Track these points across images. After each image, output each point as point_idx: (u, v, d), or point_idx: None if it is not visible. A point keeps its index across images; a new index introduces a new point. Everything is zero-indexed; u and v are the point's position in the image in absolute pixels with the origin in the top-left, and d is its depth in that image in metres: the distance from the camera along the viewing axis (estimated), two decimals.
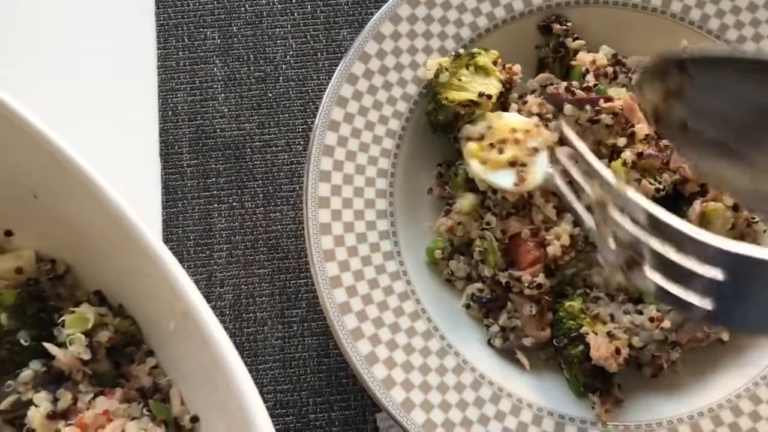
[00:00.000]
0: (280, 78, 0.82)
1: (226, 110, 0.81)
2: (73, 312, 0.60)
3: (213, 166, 0.79)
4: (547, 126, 0.71)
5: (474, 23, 0.75)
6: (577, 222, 0.69)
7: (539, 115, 0.71)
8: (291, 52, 0.83)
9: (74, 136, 0.55)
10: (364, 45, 0.73)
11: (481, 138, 0.70)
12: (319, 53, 0.83)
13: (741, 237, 0.70)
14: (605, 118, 0.70)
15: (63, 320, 0.60)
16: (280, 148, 0.79)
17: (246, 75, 0.82)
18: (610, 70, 0.74)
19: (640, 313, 0.67)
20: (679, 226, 0.46)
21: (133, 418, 0.57)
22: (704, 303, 0.45)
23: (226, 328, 0.51)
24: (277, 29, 0.83)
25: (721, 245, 0.43)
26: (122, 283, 0.61)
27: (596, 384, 0.66)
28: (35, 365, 0.59)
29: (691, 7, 0.75)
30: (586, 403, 0.67)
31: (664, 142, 0.70)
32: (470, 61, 0.71)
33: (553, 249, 0.68)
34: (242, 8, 0.84)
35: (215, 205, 0.78)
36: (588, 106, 0.71)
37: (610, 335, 0.66)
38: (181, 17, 0.83)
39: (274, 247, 0.76)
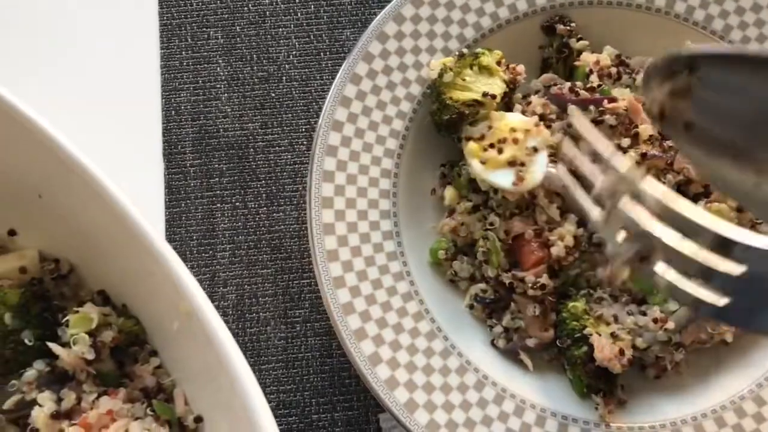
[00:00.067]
0: (284, 78, 0.82)
1: (229, 110, 0.81)
2: (77, 312, 0.60)
3: (216, 166, 0.79)
4: (550, 126, 0.71)
5: (478, 23, 0.75)
6: (581, 222, 0.69)
7: (543, 115, 0.71)
8: (294, 52, 0.83)
9: (77, 137, 0.56)
10: (367, 45, 0.73)
11: (481, 138, 0.70)
12: (322, 53, 0.83)
13: None
14: (609, 119, 0.70)
15: (67, 320, 0.60)
16: (283, 148, 0.79)
17: (249, 75, 0.82)
18: (613, 70, 0.74)
19: (644, 314, 0.67)
20: (696, 217, 0.43)
21: (137, 418, 0.57)
22: (719, 300, 0.43)
23: (228, 329, 0.51)
24: (281, 29, 0.83)
25: (743, 239, 0.41)
26: (126, 283, 0.61)
27: (599, 385, 0.66)
28: (39, 365, 0.59)
29: (695, 8, 0.75)
30: (590, 404, 0.67)
31: (668, 142, 0.70)
32: (474, 61, 0.71)
33: (557, 250, 0.68)
34: (245, 8, 0.84)
35: (218, 205, 0.78)
36: (592, 107, 0.71)
37: (614, 336, 0.65)
38: (184, 17, 0.83)
39: (277, 247, 0.76)
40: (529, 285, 0.67)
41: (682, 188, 0.70)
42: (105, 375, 0.60)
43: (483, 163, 0.69)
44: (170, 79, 0.81)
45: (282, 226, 0.77)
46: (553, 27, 0.76)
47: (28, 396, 0.58)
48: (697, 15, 0.75)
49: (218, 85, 0.81)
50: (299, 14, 0.84)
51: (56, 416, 0.56)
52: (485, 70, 0.72)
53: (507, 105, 0.73)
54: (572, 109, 0.70)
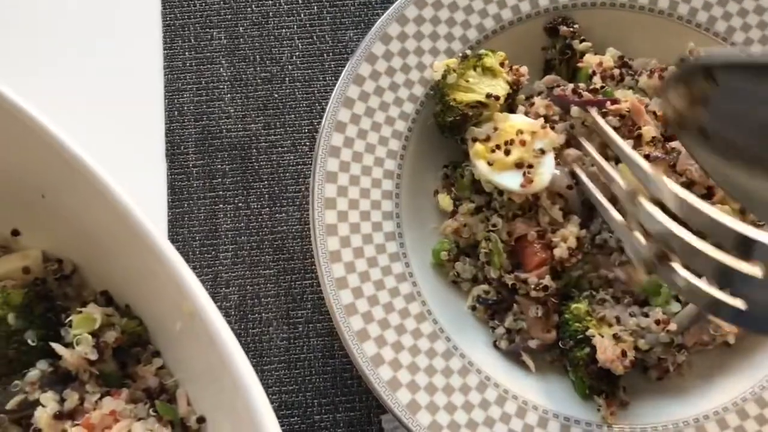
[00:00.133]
0: (287, 79, 0.82)
1: (232, 111, 0.81)
2: (80, 312, 0.60)
3: (219, 166, 0.79)
4: (553, 128, 0.71)
5: (481, 25, 0.75)
6: (584, 224, 0.69)
7: (546, 116, 0.71)
8: (297, 53, 0.83)
9: (80, 137, 0.55)
10: (371, 46, 0.73)
11: (487, 139, 0.70)
12: (325, 54, 0.83)
13: None
14: (612, 121, 0.70)
15: (70, 320, 0.60)
16: (286, 148, 0.79)
17: (252, 76, 0.82)
18: (616, 72, 0.74)
19: (646, 315, 0.67)
20: (718, 217, 0.43)
21: (140, 419, 0.57)
22: (738, 303, 0.43)
23: (231, 329, 0.51)
24: (284, 30, 0.83)
25: (764, 239, 0.41)
26: (129, 283, 0.61)
27: (602, 386, 0.66)
28: (42, 365, 0.59)
29: (698, 10, 0.75)
30: (592, 406, 0.67)
31: (671, 144, 0.70)
32: (477, 63, 0.71)
33: (560, 251, 0.68)
34: (249, 9, 0.84)
35: (221, 206, 0.78)
36: (595, 108, 0.71)
37: (616, 338, 0.65)
38: (187, 17, 0.84)
39: (279, 248, 0.76)
40: (532, 286, 0.67)
41: None
42: (108, 375, 0.60)
43: (490, 164, 0.69)
44: (173, 79, 0.81)
45: (285, 227, 0.77)
46: (556, 28, 0.76)
47: (31, 396, 0.58)
48: (700, 17, 0.75)
49: (221, 86, 0.81)
50: (302, 15, 0.84)
51: (59, 416, 0.56)
52: (488, 72, 0.72)
53: (510, 106, 0.73)
54: (592, 111, 0.69)
